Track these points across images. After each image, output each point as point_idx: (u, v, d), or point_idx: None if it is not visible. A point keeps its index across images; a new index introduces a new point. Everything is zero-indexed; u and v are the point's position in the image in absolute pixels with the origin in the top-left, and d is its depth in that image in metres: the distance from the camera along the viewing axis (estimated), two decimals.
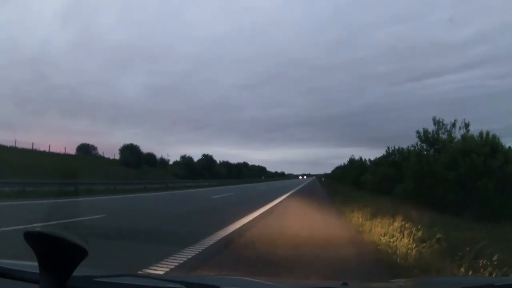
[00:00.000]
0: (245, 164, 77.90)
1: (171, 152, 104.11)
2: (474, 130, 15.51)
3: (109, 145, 77.36)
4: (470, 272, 3.49)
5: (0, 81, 54.57)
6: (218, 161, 57.57)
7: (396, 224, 6.57)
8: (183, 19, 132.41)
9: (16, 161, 21.27)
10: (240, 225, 7.49)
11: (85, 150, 36.38)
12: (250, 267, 4.02)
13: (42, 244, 0.90)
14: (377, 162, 29.87)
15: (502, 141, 13.70)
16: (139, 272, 2.52)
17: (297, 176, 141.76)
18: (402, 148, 23.35)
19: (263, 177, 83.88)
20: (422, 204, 13.07)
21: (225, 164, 60.86)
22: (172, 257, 4.32)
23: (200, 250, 4.85)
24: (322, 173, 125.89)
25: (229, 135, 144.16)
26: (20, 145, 28.86)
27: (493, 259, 3.66)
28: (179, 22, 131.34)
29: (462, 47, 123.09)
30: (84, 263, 0.96)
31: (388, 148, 27.82)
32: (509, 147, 14.41)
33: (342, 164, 58.74)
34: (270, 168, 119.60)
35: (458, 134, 16.30)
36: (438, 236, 5.23)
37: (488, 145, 13.04)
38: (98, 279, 1.20)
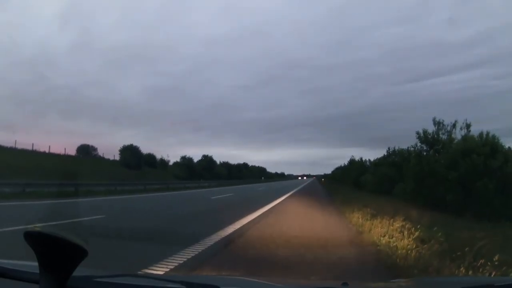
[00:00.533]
0: (245, 165, 77.94)
1: (171, 153, 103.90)
2: (474, 130, 15.54)
3: (109, 146, 77.26)
4: (470, 272, 3.50)
5: (0, 82, 54.57)
6: (218, 162, 57.64)
7: (396, 224, 6.57)
8: (183, 20, 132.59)
9: (16, 162, 21.28)
10: (240, 226, 7.49)
11: (85, 151, 36.38)
12: (250, 267, 4.02)
13: (42, 244, 0.90)
14: (377, 163, 29.92)
15: (502, 141, 13.72)
16: (139, 272, 2.52)
17: (297, 177, 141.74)
18: (402, 149, 23.38)
19: (263, 178, 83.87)
20: (423, 204, 13.09)
21: (225, 165, 60.88)
22: (172, 257, 4.32)
23: (200, 251, 4.85)
24: (322, 173, 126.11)
25: (229, 136, 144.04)
26: (20, 146, 28.90)
27: (494, 260, 3.66)
28: (179, 22, 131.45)
29: (462, 47, 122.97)
30: (84, 263, 0.96)
31: (389, 148, 27.92)
32: (509, 147, 14.43)
33: (342, 165, 58.88)
34: (270, 169, 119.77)
35: (458, 134, 16.33)
36: (438, 236, 5.24)
37: (488, 145, 13.05)
38: (98, 279, 1.20)
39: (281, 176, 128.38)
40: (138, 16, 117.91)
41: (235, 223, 7.73)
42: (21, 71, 68.36)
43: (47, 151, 30.94)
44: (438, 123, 17.10)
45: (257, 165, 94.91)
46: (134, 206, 12.25)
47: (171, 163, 46.51)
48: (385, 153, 28.58)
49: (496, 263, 3.58)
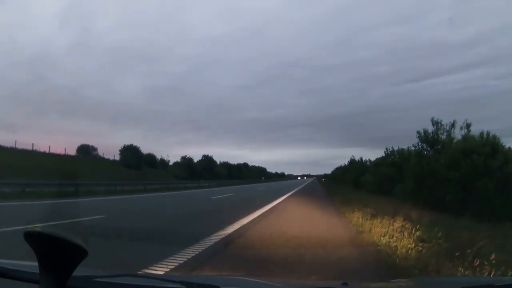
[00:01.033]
0: (245, 165, 77.95)
1: (171, 153, 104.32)
2: (474, 130, 15.56)
3: (109, 146, 77.35)
4: (470, 272, 3.50)
5: (0, 82, 54.56)
6: (218, 162, 57.63)
7: (396, 224, 6.58)
8: (183, 20, 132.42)
9: (16, 162, 21.27)
10: (240, 226, 7.49)
11: (85, 151, 36.38)
12: (250, 267, 4.02)
13: (42, 244, 0.90)
14: (377, 163, 29.93)
15: (502, 141, 13.73)
16: (139, 272, 2.52)
17: (297, 177, 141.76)
18: (402, 149, 23.40)
19: (263, 178, 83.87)
20: (423, 204, 13.10)
21: (225, 165, 60.87)
22: (172, 257, 4.32)
23: (200, 251, 4.85)
24: (322, 173, 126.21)
25: (229, 136, 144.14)
26: (20, 146, 28.90)
27: (492, 259, 3.66)
28: (179, 23, 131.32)
29: (462, 48, 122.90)
30: (84, 263, 0.96)
31: (387, 149, 27.91)
32: (509, 147, 14.43)
33: (343, 165, 58.94)
34: (270, 169, 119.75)
35: (458, 134, 16.34)
36: (438, 236, 5.24)
37: (488, 145, 13.06)
38: (98, 279, 1.20)
39: (281, 176, 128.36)
40: (138, 16, 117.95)
41: (235, 223, 7.73)
42: (21, 71, 68.26)
43: (47, 151, 30.96)
44: (436, 123, 17.12)
45: (257, 165, 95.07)
46: (134, 206, 12.25)
47: (171, 163, 46.58)
48: (384, 153, 28.62)
49: (493, 262, 3.59)
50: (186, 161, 47.16)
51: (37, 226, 0.91)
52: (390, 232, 5.93)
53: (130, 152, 36.85)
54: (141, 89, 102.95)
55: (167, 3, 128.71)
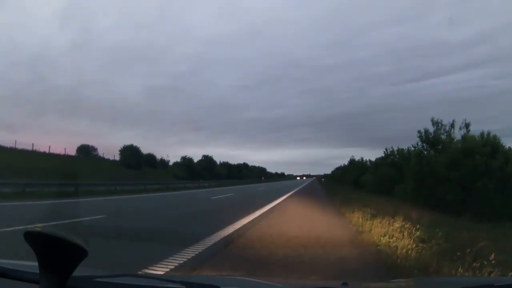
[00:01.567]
0: (245, 165, 77.96)
1: (171, 153, 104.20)
2: (474, 130, 15.57)
3: (109, 146, 77.32)
4: (470, 272, 3.50)
5: (0, 82, 54.55)
6: (218, 162, 57.65)
7: (396, 224, 6.58)
8: (183, 20, 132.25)
9: (16, 162, 21.27)
10: (240, 226, 7.49)
11: (85, 151, 36.39)
12: (250, 267, 4.02)
13: (42, 244, 0.90)
14: (377, 163, 29.93)
15: (502, 141, 13.74)
16: (139, 272, 2.52)
17: (296, 177, 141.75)
18: (402, 149, 23.41)
19: (263, 178, 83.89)
20: (423, 204, 13.11)
21: (225, 165, 60.88)
22: (172, 257, 4.32)
23: (200, 251, 4.85)
24: (322, 173, 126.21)
25: (229, 136, 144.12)
26: (20, 146, 28.92)
27: (491, 259, 3.66)
28: (179, 23, 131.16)
29: (462, 47, 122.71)
30: (84, 263, 0.96)
31: (386, 149, 27.92)
32: (509, 147, 14.44)
33: (343, 165, 58.98)
34: (270, 169, 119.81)
35: (457, 134, 16.35)
36: (438, 236, 5.24)
37: (489, 145, 13.07)
38: (98, 279, 1.20)
39: (281, 176, 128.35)
40: (138, 16, 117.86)
41: (235, 223, 7.73)
42: (21, 71, 68.35)
43: (47, 151, 30.98)
44: (436, 123, 17.13)
45: (257, 165, 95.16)
46: (134, 206, 12.25)
47: (171, 163, 46.65)
48: (383, 154, 28.63)
49: (493, 261, 3.59)
50: (186, 161, 47.19)
51: (37, 226, 0.91)
52: (390, 232, 5.93)
53: (130, 152, 36.87)
54: (141, 89, 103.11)
55: (167, 3, 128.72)
